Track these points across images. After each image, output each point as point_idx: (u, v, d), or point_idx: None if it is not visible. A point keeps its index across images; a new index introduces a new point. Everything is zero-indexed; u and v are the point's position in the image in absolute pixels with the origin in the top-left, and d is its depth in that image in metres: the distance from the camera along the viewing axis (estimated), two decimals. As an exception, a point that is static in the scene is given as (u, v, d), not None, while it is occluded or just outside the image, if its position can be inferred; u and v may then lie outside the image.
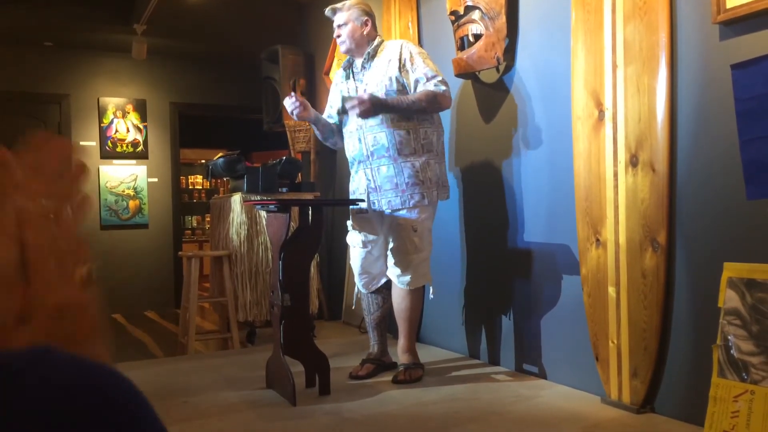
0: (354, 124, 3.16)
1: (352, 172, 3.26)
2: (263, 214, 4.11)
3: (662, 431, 2.36)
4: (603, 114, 2.62)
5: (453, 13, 3.36)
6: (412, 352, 3.20)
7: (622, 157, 2.54)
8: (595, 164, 2.66)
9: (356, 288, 3.37)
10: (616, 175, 2.57)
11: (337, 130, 3.32)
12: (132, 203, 6.60)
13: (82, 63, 6.47)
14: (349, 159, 3.25)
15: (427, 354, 3.49)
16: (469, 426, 2.50)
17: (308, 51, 5.40)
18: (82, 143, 6.43)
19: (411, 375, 3.09)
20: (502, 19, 3.12)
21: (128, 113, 6.62)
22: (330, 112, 3.33)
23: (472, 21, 3.24)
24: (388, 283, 3.24)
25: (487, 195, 3.43)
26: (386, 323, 3.34)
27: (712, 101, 2.28)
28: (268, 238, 3.98)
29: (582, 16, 2.70)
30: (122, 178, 6.58)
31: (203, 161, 9.09)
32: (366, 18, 3.15)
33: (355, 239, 3.27)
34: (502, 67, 3.24)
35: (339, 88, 3.31)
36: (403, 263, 3.09)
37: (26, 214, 0.40)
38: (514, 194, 3.25)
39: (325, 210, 3.92)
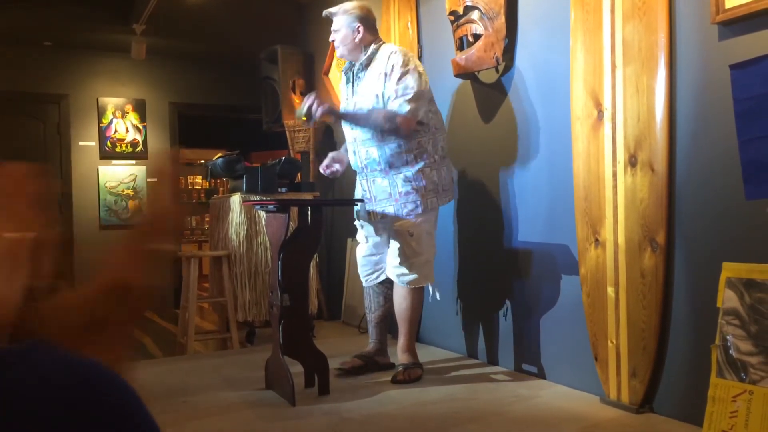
0: (350, 136, 3.19)
1: (357, 178, 3.32)
2: (262, 214, 4.11)
3: (661, 431, 2.36)
4: (602, 114, 2.62)
5: (452, 13, 3.35)
6: (411, 351, 3.21)
7: (621, 157, 2.54)
8: (594, 164, 2.66)
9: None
10: (615, 175, 2.57)
11: None
12: (131, 203, 6.60)
13: (81, 63, 6.46)
14: (352, 167, 3.30)
15: (426, 354, 3.49)
16: (468, 426, 2.50)
17: (308, 51, 5.41)
18: (81, 143, 6.44)
19: (410, 375, 3.10)
20: (502, 20, 3.12)
21: (127, 113, 6.62)
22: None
23: (472, 21, 3.24)
24: (392, 282, 3.24)
25: (486, 195, 3.43)
26: (387, 324, 3.35)
27: (711, 101, 2.28)
28: (267, 238, 3.98)
29: (581, 16, 2.70)
30: (121, 178, 6.58)
31: (202, 161, 9.08)
32: (358, 24, 3.08)
33: (359, 236, 3.36)
34: (501, 68, 3.24)
35: (343, 93, 3.31)
36: (403, 265, 3.10)
37: None
38: (513, 194, 3.25)
39: (325, 210, 3.92)
